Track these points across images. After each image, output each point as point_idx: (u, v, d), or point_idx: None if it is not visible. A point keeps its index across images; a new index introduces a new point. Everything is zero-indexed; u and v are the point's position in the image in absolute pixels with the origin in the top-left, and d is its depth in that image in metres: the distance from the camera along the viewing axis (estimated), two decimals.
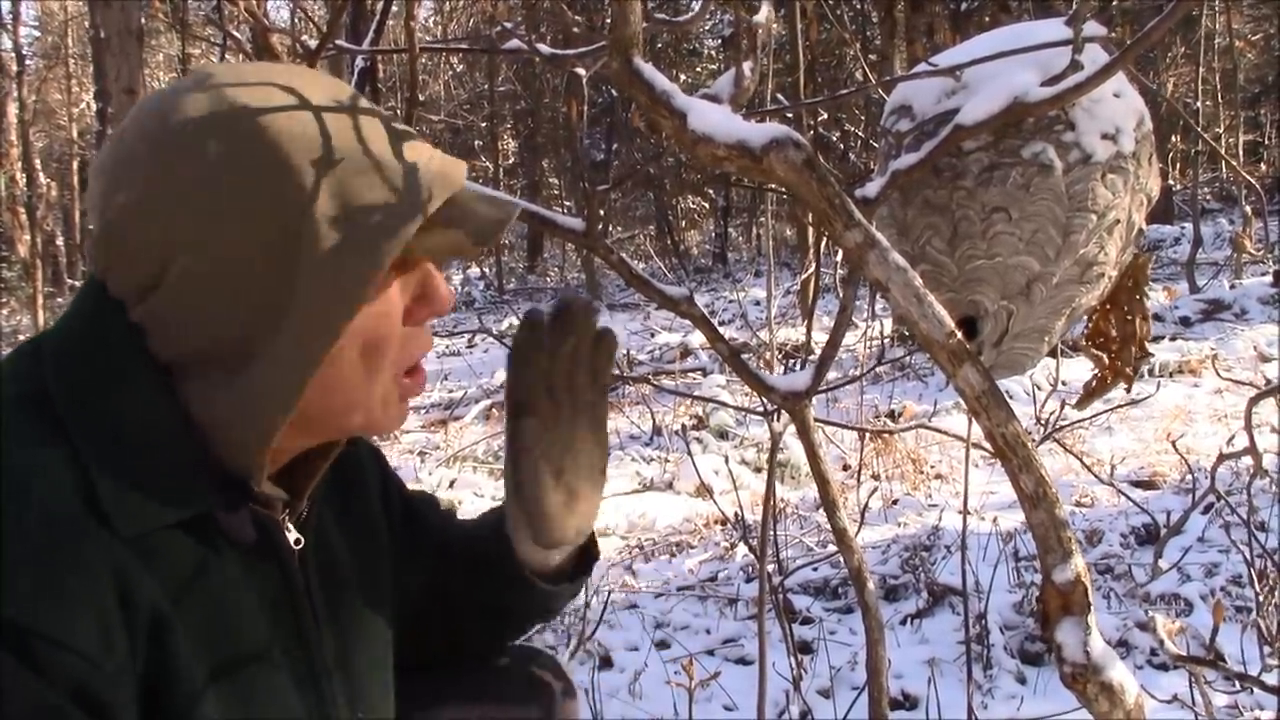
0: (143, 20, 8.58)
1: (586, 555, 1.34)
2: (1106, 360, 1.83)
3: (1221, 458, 1.81)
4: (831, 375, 1.97)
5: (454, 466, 6.04)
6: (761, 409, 2.25)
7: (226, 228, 0.95)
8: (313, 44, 1.66)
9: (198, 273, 0.96)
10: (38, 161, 23.03)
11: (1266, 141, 26.13)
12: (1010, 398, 1.19)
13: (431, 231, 1.01)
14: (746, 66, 1.36)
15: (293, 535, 1.09)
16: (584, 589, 2.98)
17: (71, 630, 0.87)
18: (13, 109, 19.50)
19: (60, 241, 29.25)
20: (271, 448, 1.00)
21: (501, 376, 8.91)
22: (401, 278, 1.04)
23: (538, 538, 1.25)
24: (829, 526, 1.64)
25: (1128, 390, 1.89)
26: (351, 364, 1.02)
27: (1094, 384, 1.85)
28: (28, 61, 23.67)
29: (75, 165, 28.31)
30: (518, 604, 1.34)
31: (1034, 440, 1.17)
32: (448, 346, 12.18)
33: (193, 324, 0.98)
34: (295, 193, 0.96)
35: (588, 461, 1.25)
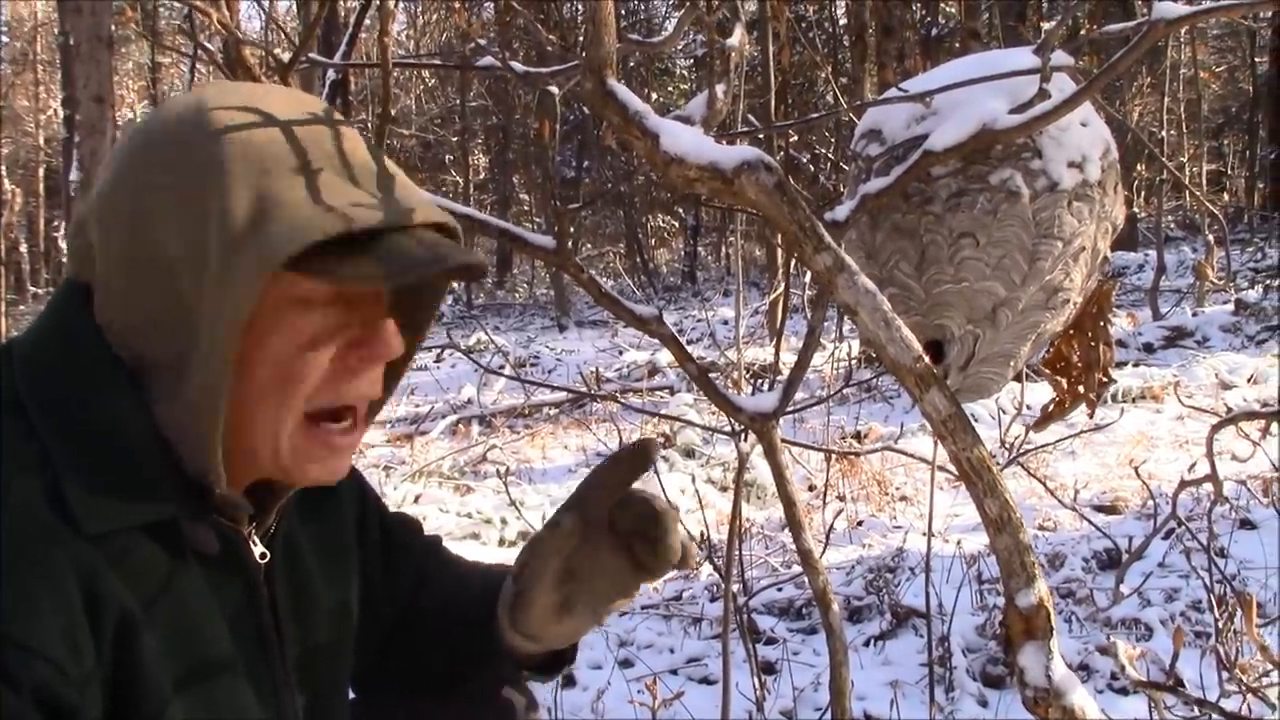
0: (113, 28, 8.52)
1: (560, 656, 1.33)
2: (1065, 385, 1.84)
3: (1183, 484, 1.83)
4: (799, 396, 1.97)
5: (419, 481, 6.01)
6: (729, 429, 2.25)
7: (156, 223, 0.97)
8: (285, 57, 1.66)
9: (133, 268, 0.98)
10: (3, 168, 22.82)
11: (1229, 171, 26.52)
12: (975, 421, 1.19)
13: (350, 260, 0.97)
14: (719, 89, 1.37)
15: (258, 549, 1.09)
16: None
17: (37, 635, 0.86)
18: None
19: (24, 249, 28.95)
20: (221, 462, 1.00)
21: (468, 392, 8.91)
22: (333, 311, 1.01)
23: (515, 623, 1.23)
24: (794, 547, 1.64)
25: (1090, 415, 1.90)
26: (262, 389, 1.00)
27: (1051, 408, 1.86)
28: None
29: (41, 172, 28.09)
30: (484, 667, 1.33)
31: (998, 464, 1.18)
32: (414, 361, 12.10)
33: (133, 325, 1.00)
34: (218, 193, 0.96)
35: (604, 589, 1.21)
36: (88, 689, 0.89)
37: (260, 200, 0.96)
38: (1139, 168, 15.50)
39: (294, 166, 0.99)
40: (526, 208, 26.62)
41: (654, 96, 21.18)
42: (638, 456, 1.18)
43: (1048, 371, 1.89)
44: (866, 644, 3.49)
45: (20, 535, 0.90)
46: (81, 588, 0.90)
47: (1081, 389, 1.84)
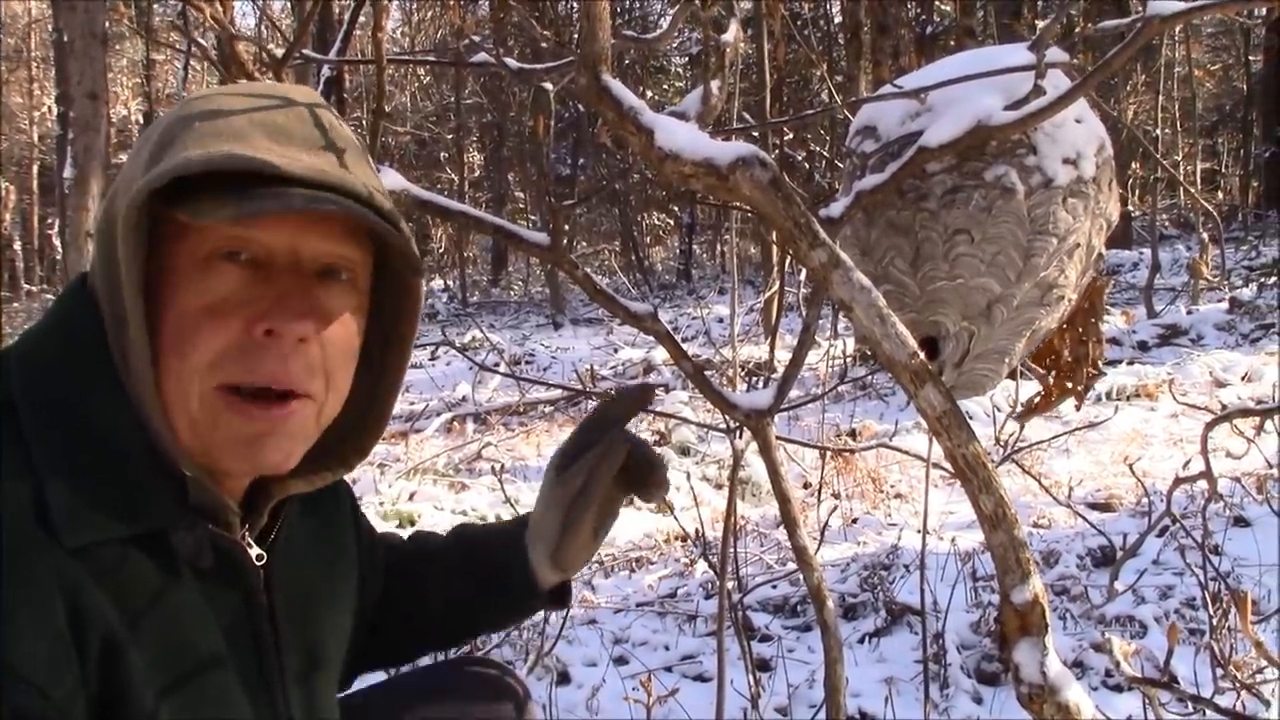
0: (107, 24, 8.50)
1: (565, 588, 1.41)
2: (1051, 379, 1.85)
3: (1177, 481, 1.83)
4: (793, 394, 1.98)
5: (414, 479, 5.99)
6: (724, 426, 2.25)
7: (119, 191, 1.02)
8: (279, 53, 1.65)
9: (100, 238, 1.02)
10: None
11: (1223, 169, 26.56)
12: (970, 418, 1.19)
13: (219, 200, 0.96)
14: (714, 85, 1.37)
15: (254, 552, 1.08)
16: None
17: (18, 657, 0.85)
18: None
19: (18, 246, 28.88)
20: (183, 452, 1.00)
21: (463, 390, 8.90)
22: (245, 280, 1.00)
23: (556, 559, 1.32)
24: (789, 544, 1.64)
25: (1077, 408, 1.91)
26: (168, 350, 0.99)
27: (1036, 401, 1.87)
28: None
29: (35, 170, 28.03)
30: (506, 608, 1.42)
31: (993, 461, 1.18)
32: (405, 369, 12.05)
33: (101, 288, 1.02)
34: (143, 150, 1.02)
35: (614, 515, 1.33)
36: (71, 710, 0.88)
37: (161, 147, 0.99)
38: (1134, 166, 15.52)
39: (219, 123, 1.00)
40: (522, 205, 26.59)
41: (649, 94, 21.18)
42: (642, 396, 1.33)
43: (1035, 367, 1.89)
44: (861, 641, 3.49)
45: (3, 553, 0.88)
46: (66, 605, 0.89)
47: (1069, 383, 1.84)
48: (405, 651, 1.48)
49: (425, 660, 1.73)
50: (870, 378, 7.76)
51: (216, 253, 0.99)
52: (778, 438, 1.64)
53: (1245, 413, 1.92)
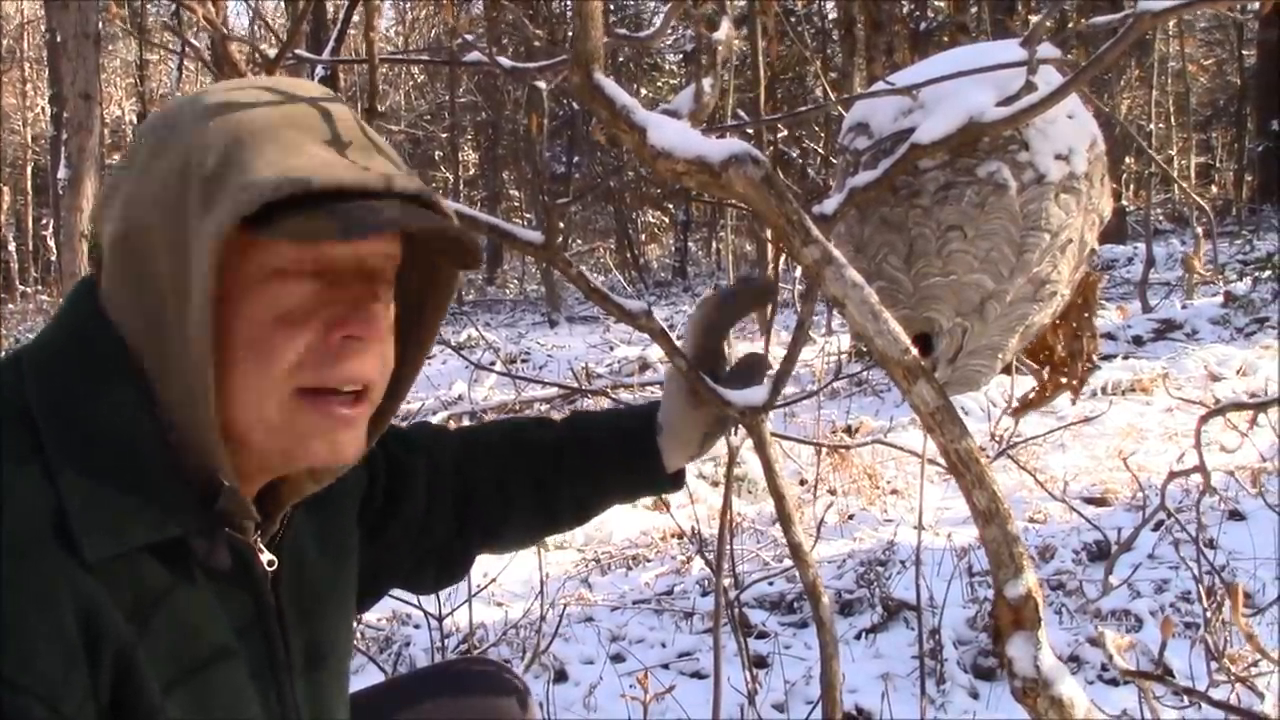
0: (100, 25, 8.49)
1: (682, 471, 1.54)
2: (1046, 375, 1.85)
3: (1172, 476, 1.83)
4: (789, 390, 1.98)
5: None
6: None
7: (144, 195, 0.99)
8: (272, 53, 1.65)
9: (124, 245, 1.00)
10: None
11: (1217, 164, 26.61)
12: (965, 414, 1.20)
13: (309, 216, 0.96)
14: (707, 83, 1.37)
15: (266, 557, 1.08)
16: (539, 602, 3.00)
17: (31, 671, 0.85)
18: None
19: (12, 247, 28.83)
20: (220, 444, 0.99)
21: (459, 388, 8.90)
22: (315, 288, 1.00)
23: (692, 452, 1.49)
24: (785, 541, 1.65)
25: (1072, 403, 1.91)
26: (241, 363, 0.99)
27: (1031, 396, 1.87)
28: None
29: (29, 171, 27.99)
30: (632, 494, 1.56)
31: (988, 456, 1.19)
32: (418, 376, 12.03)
33: (124, 304, 1.00)
34: (195, 161, 0.98)
35: None
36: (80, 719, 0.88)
37: (226, 165, 0.97)
38: (1128, 161, 15.55)
39: (270, 134, 0.99)
40: (516, 203, 26.58)
41: (643, 91, 21.18)
42: (766, 289, 1.59)
43: (1030, 362, 1.89)
44: (858, 637, 3.50)
45: (17, 564, 0.88)
46: (80, 619, 0.88)
47: (1064, 378, 1.85)
48: (526, 536, 1.56)
49: (424, 662, 1.73)
50: (865, 374, 7.77)
51: (285, 265, 0.99)
52: (773, 434, 1.64)
53: (1239, 406, 1.92)
